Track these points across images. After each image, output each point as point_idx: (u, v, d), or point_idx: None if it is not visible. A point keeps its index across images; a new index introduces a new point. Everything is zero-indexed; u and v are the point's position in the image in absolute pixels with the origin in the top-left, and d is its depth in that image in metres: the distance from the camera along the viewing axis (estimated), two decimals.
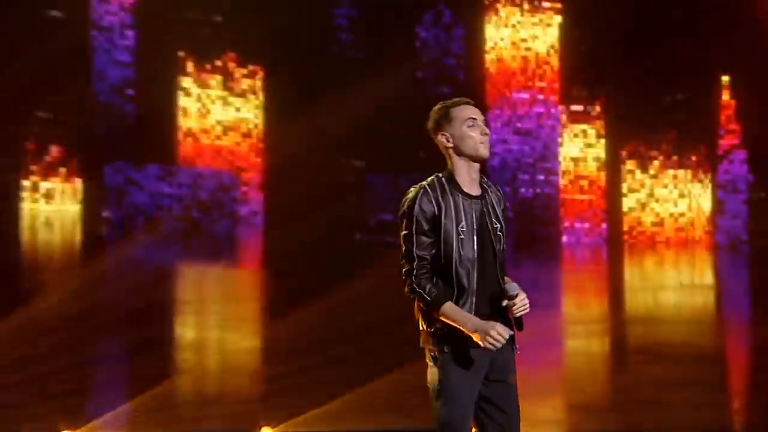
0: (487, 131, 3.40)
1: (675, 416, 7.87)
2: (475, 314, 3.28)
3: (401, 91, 23.43)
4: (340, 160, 25.25)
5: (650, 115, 26.14)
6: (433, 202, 3.29)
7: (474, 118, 3.37)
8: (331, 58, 26.22)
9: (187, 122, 25.14)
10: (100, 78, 24.07)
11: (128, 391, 9.21)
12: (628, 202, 27.35)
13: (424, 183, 3.35)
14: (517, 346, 3.49)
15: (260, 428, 7.66)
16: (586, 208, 27.81)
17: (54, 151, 22.22)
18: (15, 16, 21.53)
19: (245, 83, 25.89)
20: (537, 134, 27.92)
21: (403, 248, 3.37)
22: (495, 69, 28.53)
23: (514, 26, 28.27)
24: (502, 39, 28.29)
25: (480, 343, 3.19)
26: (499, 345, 3.19)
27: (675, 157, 27.46)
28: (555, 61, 28.41)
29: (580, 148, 27.83)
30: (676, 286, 22.08)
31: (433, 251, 3.32)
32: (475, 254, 3.33)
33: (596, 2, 24.37)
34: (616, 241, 26.87)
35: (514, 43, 28.23)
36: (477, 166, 3.41)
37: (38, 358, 9.51)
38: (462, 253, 3.30)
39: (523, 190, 27.48)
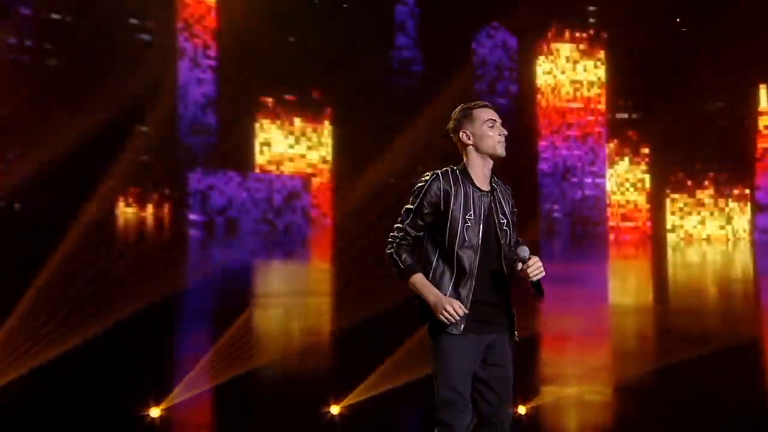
0: (505, 132, 3.38)
1: None
2: (474, 299, 3.27)
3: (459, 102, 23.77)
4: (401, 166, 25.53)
5: (691, 126, 25.80)
6: (442, 189, 3.28)
7: (494, 120, 3.36)
8: (393, 70, 26.82)
9: (263, 134, 25.59)
10: (185, 93, 24.86)
11: (213, 372, 9.31)
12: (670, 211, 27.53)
13: (438, 171, 3.35)
14: (517, 334, 3.44)
15: (330, 405, 7.71)
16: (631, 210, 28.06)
17: (147, 160, 22.80)
18: (112, 40, 22.53)
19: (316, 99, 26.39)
20: (584, 141, 28.02)
21: (399, 218, 3.37)
22: (545, 85, 28.86)
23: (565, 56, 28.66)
24: (553, 63, 28.65)
25: (437, 315, 3.18)
26: (451, 320, 3.17)
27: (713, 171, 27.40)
28: (602, 75, 28.49)
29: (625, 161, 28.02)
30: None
31: (421, 234, 3.33)
32: (479, 242, 3.30)
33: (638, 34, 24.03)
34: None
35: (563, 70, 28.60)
36: (491, 163, 3.39)
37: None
38: (466, 238, 3.28)
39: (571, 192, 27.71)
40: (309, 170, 26.17)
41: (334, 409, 7.79)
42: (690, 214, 27.34)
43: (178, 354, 10.52)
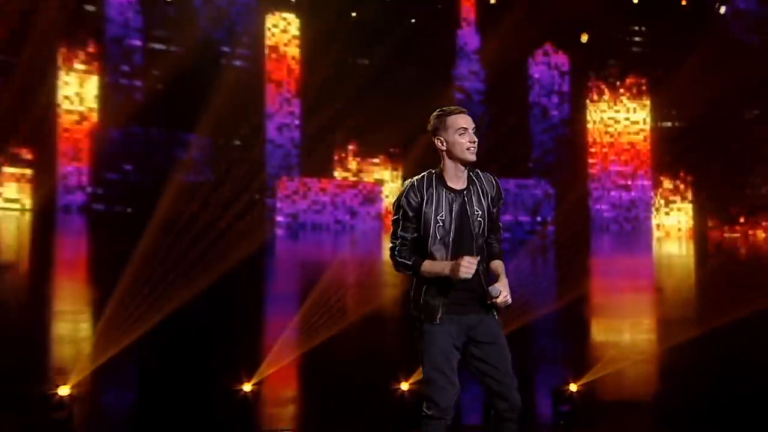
0: (475, 139, 3.32)
1: None
2: (450, 287, 3.25)
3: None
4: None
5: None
6: (417, 195, 3.29)
7: (465, 128, 3.30)
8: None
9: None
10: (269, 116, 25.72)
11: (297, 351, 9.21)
12: None
13: (413, 179, 3.36)
14: (496, 314, 3.35)
15: (399, 383, 7.56)
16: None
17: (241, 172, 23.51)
18: (209, 66, 23.22)
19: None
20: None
21: (392, 230, 3.38)
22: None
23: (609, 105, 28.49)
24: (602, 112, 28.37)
25: (459, 276, 3.15)
26: (471, 270, 3.15)
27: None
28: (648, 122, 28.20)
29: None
30: None
31: (414, 234, 3.32)
32: (451, 238, 3.30)
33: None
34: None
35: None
36: (464, 167, 3.34)
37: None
38: (438, 236, 3.29)
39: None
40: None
41: (404, 386, 7.66)
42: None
43: (266, 333, 10.62)
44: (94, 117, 24.18)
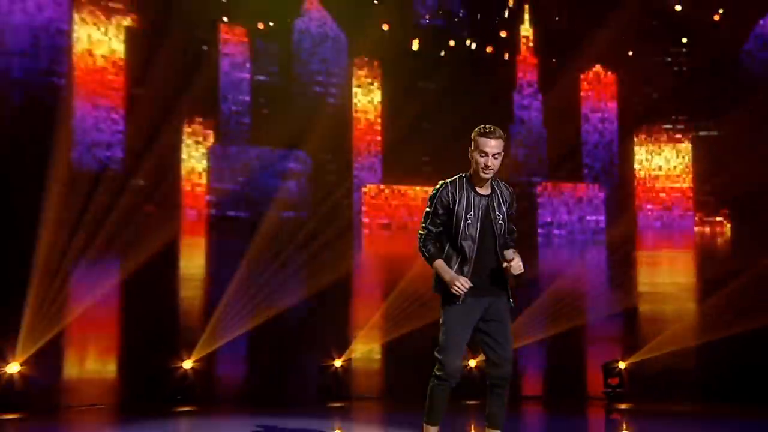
0: (490, 164, 3.29)
1: None
2: (472, 275, 3.33)
3: None
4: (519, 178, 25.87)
5: None
6: (450, 195, 3.33)
7: (486, 152, 3.28)
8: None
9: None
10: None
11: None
12: None
13: (448, 180, 3.41)
14: (512, 300, 3.43)
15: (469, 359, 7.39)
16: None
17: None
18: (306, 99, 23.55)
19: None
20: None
21: (423, 221, 3.43)
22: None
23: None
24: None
25: (451, 290, 3.27)
26: (461, 291, 3.26)
27: None
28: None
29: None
30: None
31: (441, 229, 3.38)
32: (477, 234, 3.35)
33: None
34: None
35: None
36: (485, 179, 3.36)
37: None
38: (467, 232, 3.34)
39: None
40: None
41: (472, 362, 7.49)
42: None
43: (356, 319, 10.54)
44: (212, 138, 25.08)
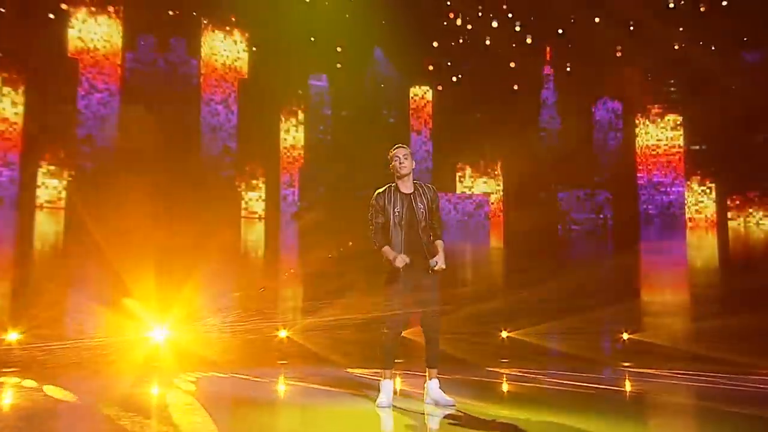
0: (403, 162, 3.60)
1: None
2: (405, 253, 3.51)
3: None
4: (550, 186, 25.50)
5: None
6: (380, 200, 3.61)
7: (398, 156, 3.61)
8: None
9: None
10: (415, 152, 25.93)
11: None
12: None
13: (380, 189, 3.68)
14: (433, 268, 3.55)
15: (501, 331, 6.89)
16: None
17: None
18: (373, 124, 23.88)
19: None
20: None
21: (369, 221, 3.63)
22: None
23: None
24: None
25: (395, 264, 3.48)
26: (401, 264, 3.48)
27: None
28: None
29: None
30: None
31: (381, 220, 3.59)
32: (404, 223, 3.59)
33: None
34: None
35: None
36: (405, 178, 3.62)
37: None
38: (395, 222, 3.59)
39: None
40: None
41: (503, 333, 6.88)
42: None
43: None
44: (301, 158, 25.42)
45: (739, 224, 24.31)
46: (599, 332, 7.04)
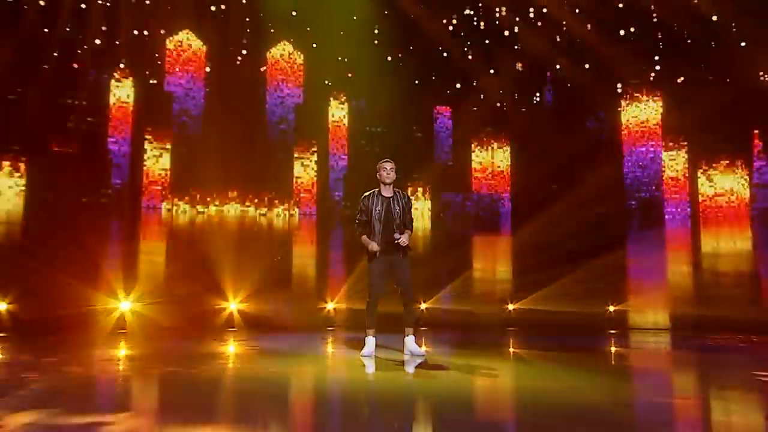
0: (390, 173, 4.31)
1: None
2: (382, 242, 4.20)
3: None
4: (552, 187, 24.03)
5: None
6: (366, 201, 4.32)
7: (384, 167, 4.32)
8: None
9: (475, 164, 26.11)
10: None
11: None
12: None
13: (367, 192, 4.36)
14: (405, 255, 4.31)
15: (507, 303, 7.38)
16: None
17: None
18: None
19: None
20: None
21: (356, 216, 4.38)
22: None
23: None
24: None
25: (370, 249, 4.19)
26: (372, 250, 4.18)
27: None
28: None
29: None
30: None
31: (365, 218, 4.28)
32: (382, 219, 4.30)
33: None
34: None
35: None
36: (388, 186, 4.32)
37: None
38: (376, 219, 4.29)
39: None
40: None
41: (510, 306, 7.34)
42: None
43: None
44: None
45: None
46: None
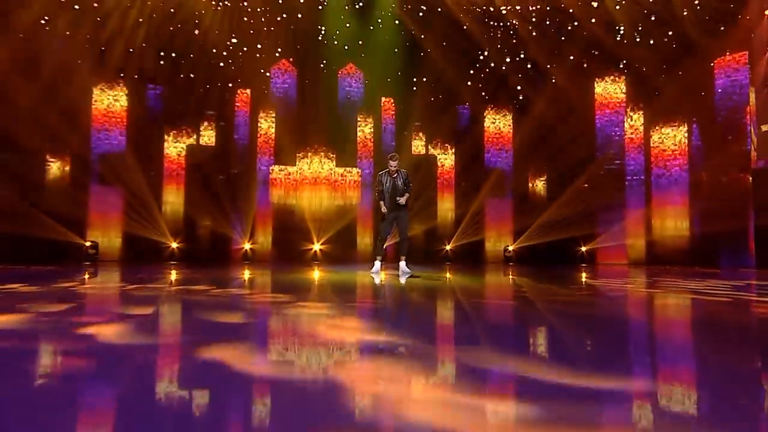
0: (393, 165, 5.85)
1: None
2: (389, 205, 5.80)
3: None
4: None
5: None
6: (380, 177, 5.83)
7: (390, 161, 5.89)
8: None
9: None
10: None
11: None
12: None
13: (382, 171, 5.95)
14: (406, 212, 6.02)
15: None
16: None
17: None
18: None
19: None
20: None
21: (375, 186, 5.85)
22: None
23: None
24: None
25: (383, 210, 5.72)
26: (384, 211, 5.84)
27: None
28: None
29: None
30: None
31: (381, 188, 5.76)
32: (390, 190, 5.84)
33: None
34: None
35: None
36: (393, 170, 5.78)
37: None
38: (386, 189, 5.84)
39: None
40: None
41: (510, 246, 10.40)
42: None
43: None
44: None
45: None
46: None
